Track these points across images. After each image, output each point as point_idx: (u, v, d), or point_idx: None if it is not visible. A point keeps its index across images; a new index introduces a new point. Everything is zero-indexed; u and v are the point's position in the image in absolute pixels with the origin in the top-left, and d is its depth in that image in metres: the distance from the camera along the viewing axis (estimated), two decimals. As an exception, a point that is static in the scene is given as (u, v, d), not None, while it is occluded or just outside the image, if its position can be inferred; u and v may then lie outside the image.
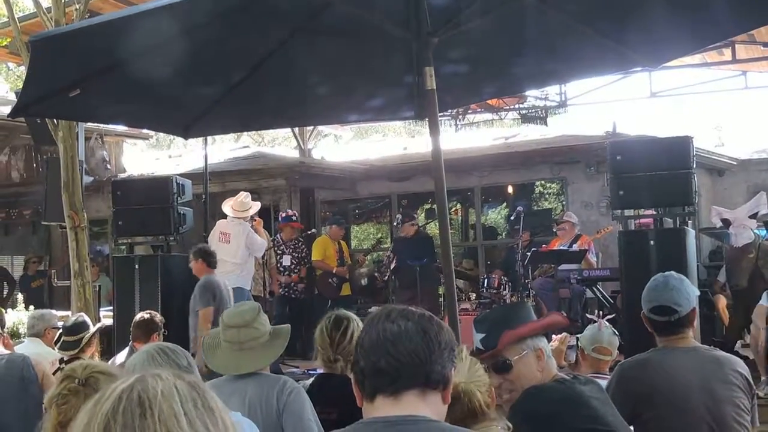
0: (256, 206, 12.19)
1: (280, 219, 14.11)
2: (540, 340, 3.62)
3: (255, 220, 12.08)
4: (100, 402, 1.47)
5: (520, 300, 11.81)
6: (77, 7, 10.91)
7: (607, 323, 6.20)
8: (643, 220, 11.16)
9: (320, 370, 5.17)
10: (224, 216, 12.02)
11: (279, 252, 13.52)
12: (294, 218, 13.97)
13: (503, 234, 18.88)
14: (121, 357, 7.71)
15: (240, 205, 11.88)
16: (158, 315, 7.60)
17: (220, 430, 1.47)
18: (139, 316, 7.60)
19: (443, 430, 2.29)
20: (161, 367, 3.70)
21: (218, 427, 1.47)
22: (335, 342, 4.79)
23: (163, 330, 7.45)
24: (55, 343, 7.37)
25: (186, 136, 6.68)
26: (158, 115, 6.22)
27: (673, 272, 4.45)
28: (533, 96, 18.15)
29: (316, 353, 5.10)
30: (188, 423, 1.43)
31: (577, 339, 6.35)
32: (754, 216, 10.47)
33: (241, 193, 12.20)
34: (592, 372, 5.66)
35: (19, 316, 12.09)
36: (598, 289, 11.56)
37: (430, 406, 2.30)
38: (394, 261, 13.51)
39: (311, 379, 5.36)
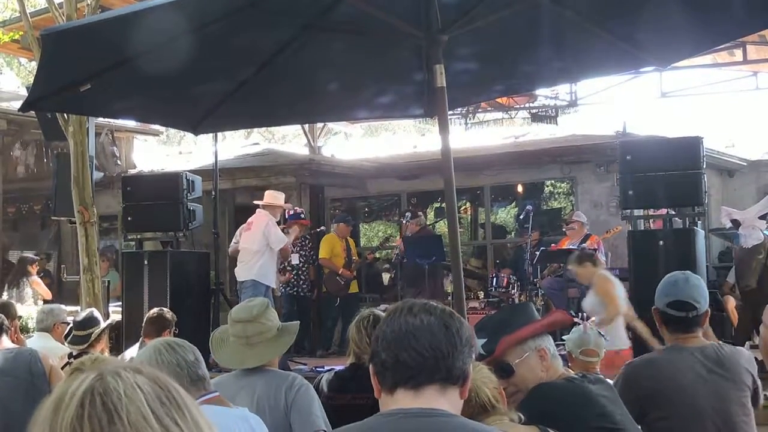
0: (287, 205, 12.31)
1: (287, 216, 14.12)
2: (543, 340, 3.62)
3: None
4: (60, 410, 1.40)
5: (523, 301, 11.80)
6: (89, 2, 10.94)
7: (592, 325, 6.21)
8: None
9: (327, 367, 5.20)
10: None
11: (287, 250, 13.51)
12: (302, 216, 13.98)
13: (512, 233, 18.87)
14: (131, 352, 7.73)
15: (271, 196, 12.00)
16: (170, 312, 7.60)
17: (189, 423, 1.42)
18: (151, 312, 7.61)
19: (463, 425, 2.31)
20: (159, 363, 3.72)
21: (187, 420, 1.42)
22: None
23: (174, 328, 7.44)
24: (65, 338, 7.39)
25: (195, 132, 6.69)
26: (168, 111, 6.22)
27: (689, 272, 4.44)
28: (543, 95, 18.13)
29: (350, 349, 5.16)
30: (157, 421, 1.38)
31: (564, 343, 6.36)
32: (763, 217, 10.46)
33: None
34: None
35: (28, 310, 12.13)
36: (607, 289, 11.52)
37: (450, 401, 2.31)
38: (404, 258, 13.55)
39: (339, 367, 5.44)
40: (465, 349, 2.34)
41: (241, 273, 11.63)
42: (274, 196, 12.08)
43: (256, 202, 12.14)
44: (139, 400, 1.39)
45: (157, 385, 1.44)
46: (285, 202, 12.51)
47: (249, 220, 11.97)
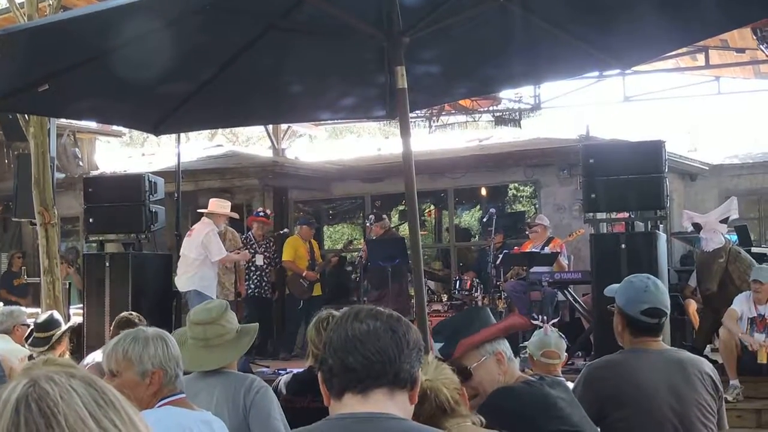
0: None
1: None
2: (500, 344, 3.62)
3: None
4: None
5: (481, 305, 11.81)
6: (50, 2, 10.86)
7: (553, 327, 6.23)
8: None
9: (289, 370, 5.17)
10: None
11: (252, 251, 13.44)
12: (261, 213, 13.89)
13: (476, 236, 18.90)
14: (94, 355, 7.65)
15: (215, 204, 11.91)
16: (139, 316, 7.51)
17: (127, 424, 1.41)
18: (120, 315, 7.54)
19: (412, 428, 2.30)
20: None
21: (124, 421, 1.40)
22: None
23: None
24: (26, 340, 7.32)
25: (156, 133, 6.64)
26: (128, 111, 6.17)
27: (650, 275, 4.44)
28: (507, 98, 18.16)
29: (309, 351, 5.12)
30: (96, 423, 1.36)
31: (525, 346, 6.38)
32: (725, 221, 10.53)
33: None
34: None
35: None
36: (570, 292, 11.58)
37: (398, 405, 2.30)
38: (367, 261, 13.53)
39: (298, 370, 5.41)
40: (412, 352, 2.33)
41: (182, 283, 11.51)
42: (218, 205, 11.97)
43: (200, 210, 12.05)
44: (75, 403, 1.37)
45: (92, 387, 1.42)
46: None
47: (192, 226, 11.91)
